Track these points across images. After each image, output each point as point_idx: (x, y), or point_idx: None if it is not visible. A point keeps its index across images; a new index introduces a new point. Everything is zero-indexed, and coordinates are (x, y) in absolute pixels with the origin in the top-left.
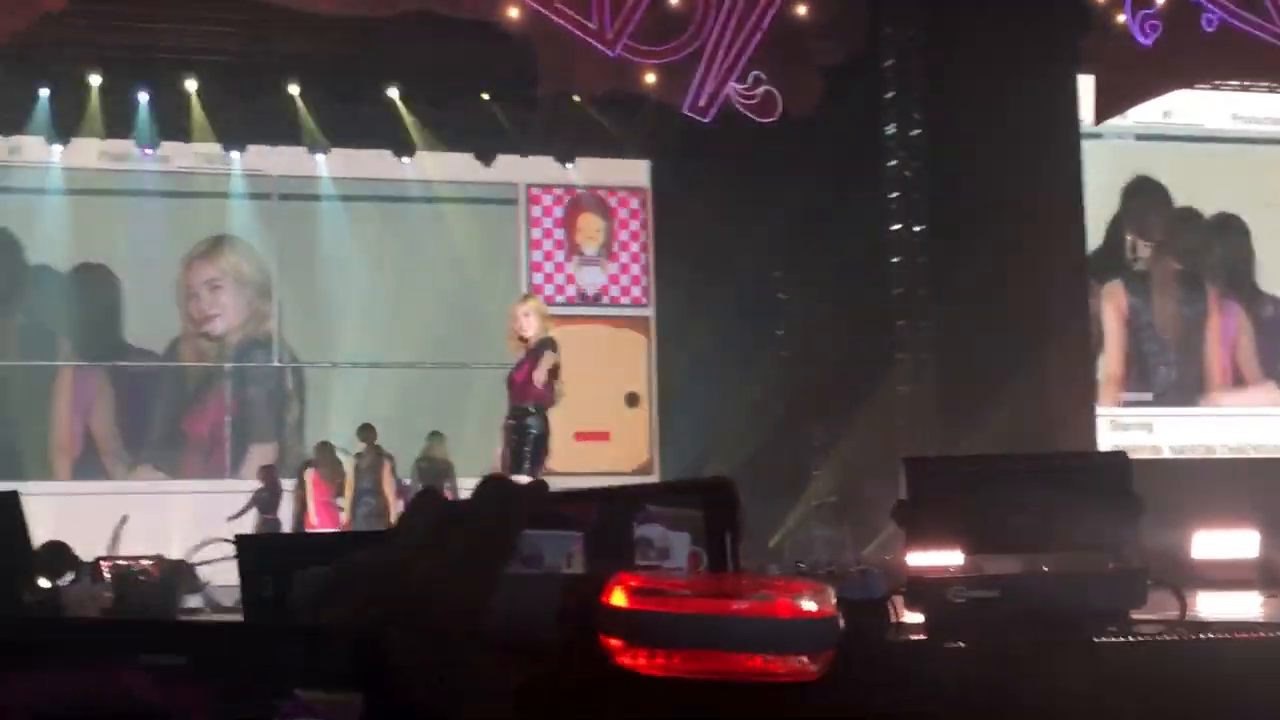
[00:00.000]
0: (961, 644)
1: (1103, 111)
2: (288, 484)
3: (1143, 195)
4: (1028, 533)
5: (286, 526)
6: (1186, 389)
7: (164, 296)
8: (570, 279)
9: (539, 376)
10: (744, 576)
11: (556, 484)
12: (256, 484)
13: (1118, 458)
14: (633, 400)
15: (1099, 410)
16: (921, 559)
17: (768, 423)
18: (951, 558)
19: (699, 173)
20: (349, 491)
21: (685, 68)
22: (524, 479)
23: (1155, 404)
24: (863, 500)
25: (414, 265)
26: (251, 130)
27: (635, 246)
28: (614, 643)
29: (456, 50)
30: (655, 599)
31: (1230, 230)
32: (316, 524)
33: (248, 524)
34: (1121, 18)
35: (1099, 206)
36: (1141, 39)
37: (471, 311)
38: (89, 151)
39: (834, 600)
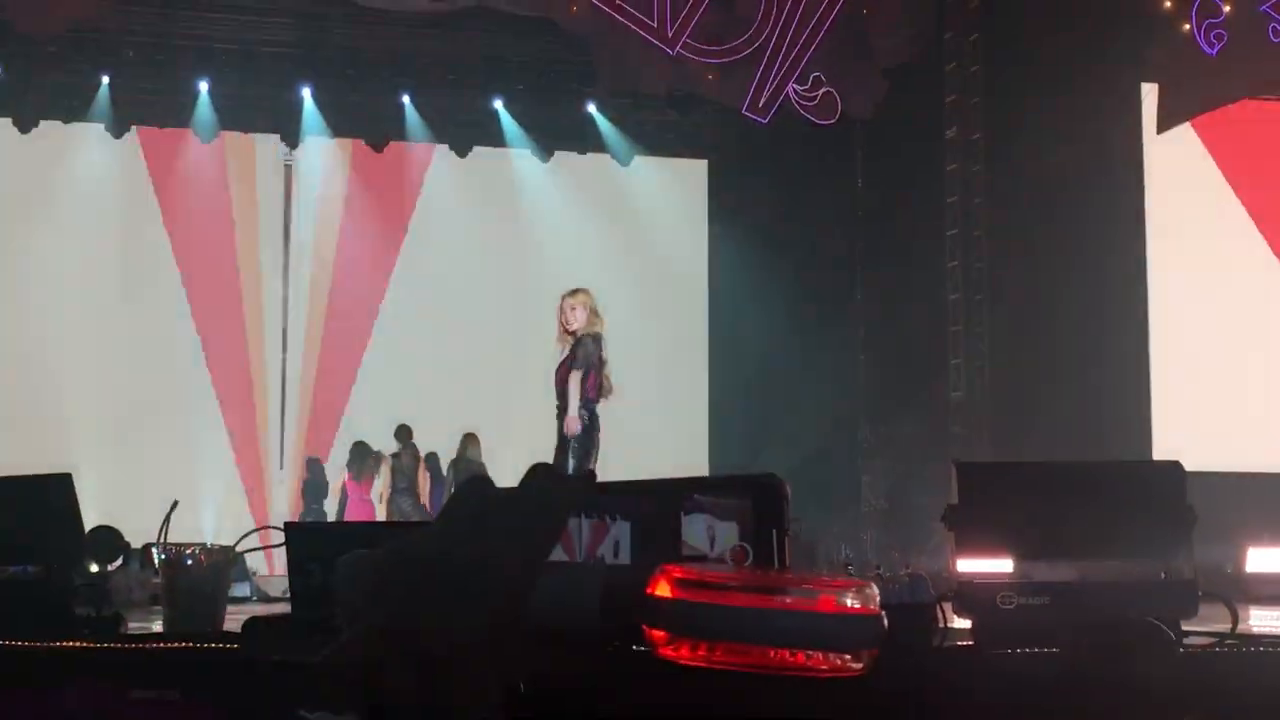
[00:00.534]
0: (1010, 650)
1: (1165, 121)
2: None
3: None
4: (1079, 540)
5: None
6: None
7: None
8: None
9: (578, 371)
10: (789, 572)
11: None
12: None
13: (1172, 467)
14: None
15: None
16: (971, 565)
17: (820, 425)
18: (1002, 564)
19: (757, 174)
20: (385, 491)
21: (745, 67)
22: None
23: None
24: (913, 504)
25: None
26: (340, 123)
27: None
28: (657, 634)
29: (516, 47)
30: (700, 591)
31: None
32: None
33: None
34: (1186, 27)
35: None
36: (1206, 48)
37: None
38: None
39: (878, 599)
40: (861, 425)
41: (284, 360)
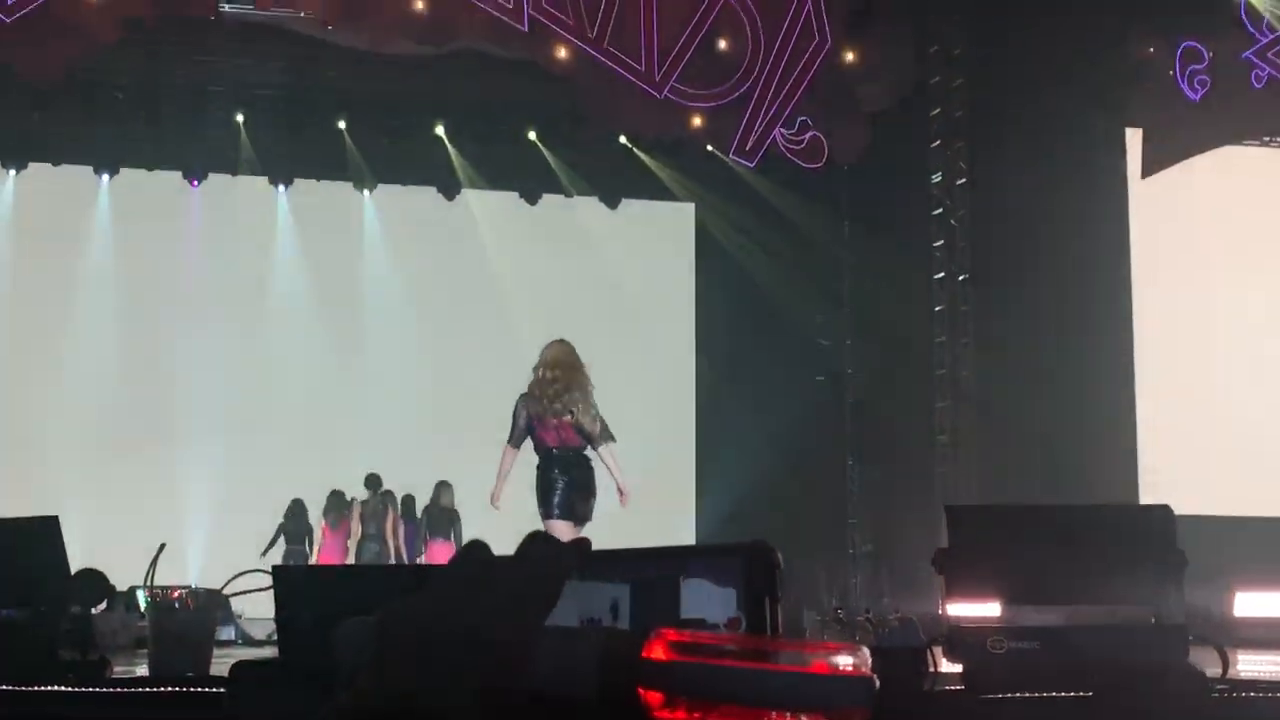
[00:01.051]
0: (1001, 695)
1: (1150, 166)
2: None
3: None
4: (1069, 584)
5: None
6: None
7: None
8: None
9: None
10: (783, 637)
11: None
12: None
13: (1161, 511)
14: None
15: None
16: (961, 609)
17: (807, 468)
18: (991, 608)
19: (744, 216)
20: (354, 537)
21: (732, 111)
22: (559, 525)
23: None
24: (902, 548)
25: (452, 303)
26: (298, 165)
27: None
28: (653, 697)
29: (504, 89)
30: (696, 653)
31: None
32: None
33: (274, 555)
34: (1170, 72)
35: None
36: (1190, 94)
37: (508, 353)
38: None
39: (869, 661)
40: (849, 467)
41: (265, 403)
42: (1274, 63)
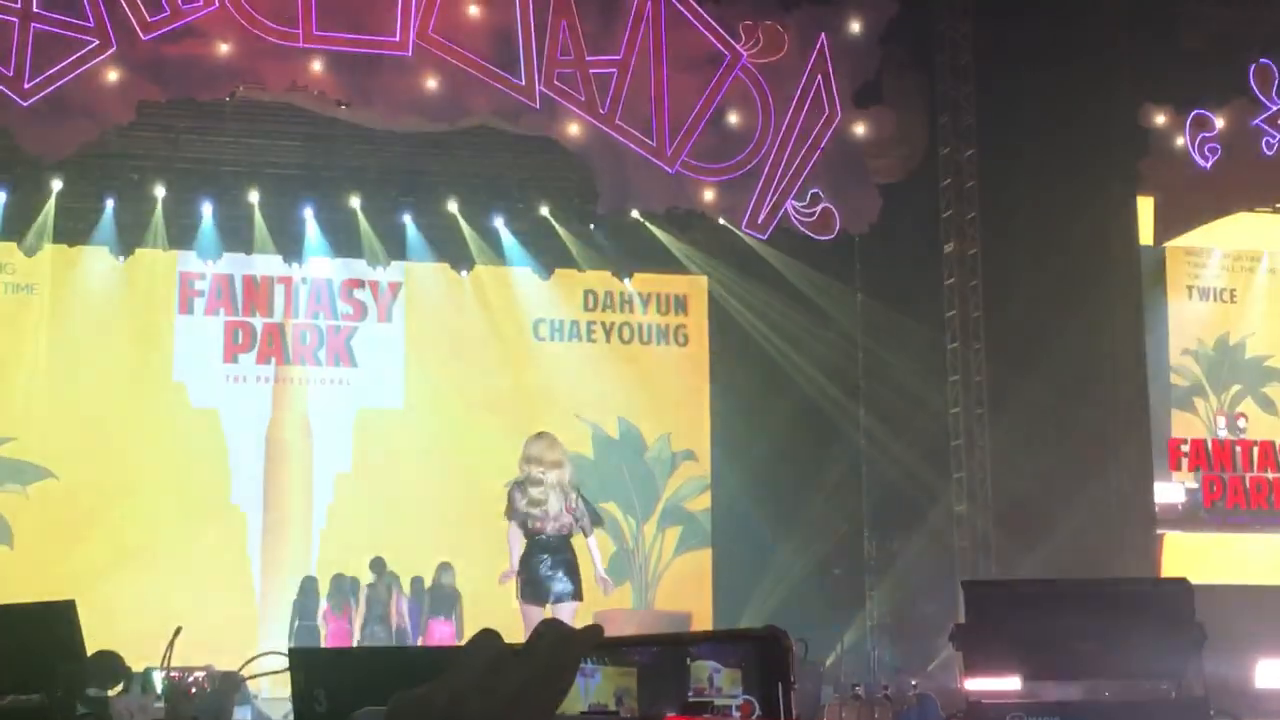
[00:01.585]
0: None
1: (1162, 233)
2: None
3: None
4: (1088, 659)
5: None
6: None
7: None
8: None
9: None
10: None
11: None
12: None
13: (1180, 584)
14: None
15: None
16: (980, 684)
17: (824, 541)
18: (1010, 683)
19: (755, 289)
20: (359, 620)
21: (744, 184)
22: (566, 608)
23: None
24: (920, 621)
25: (463, 379)
26: (311, 241)
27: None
28: None
29: (517, 166)
30: None
31: None
32: None
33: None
34: (1180, 140)
35: None
36: (1200, 162)
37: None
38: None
39: None
40: (865, 540)
41: (264, 484)
42: None
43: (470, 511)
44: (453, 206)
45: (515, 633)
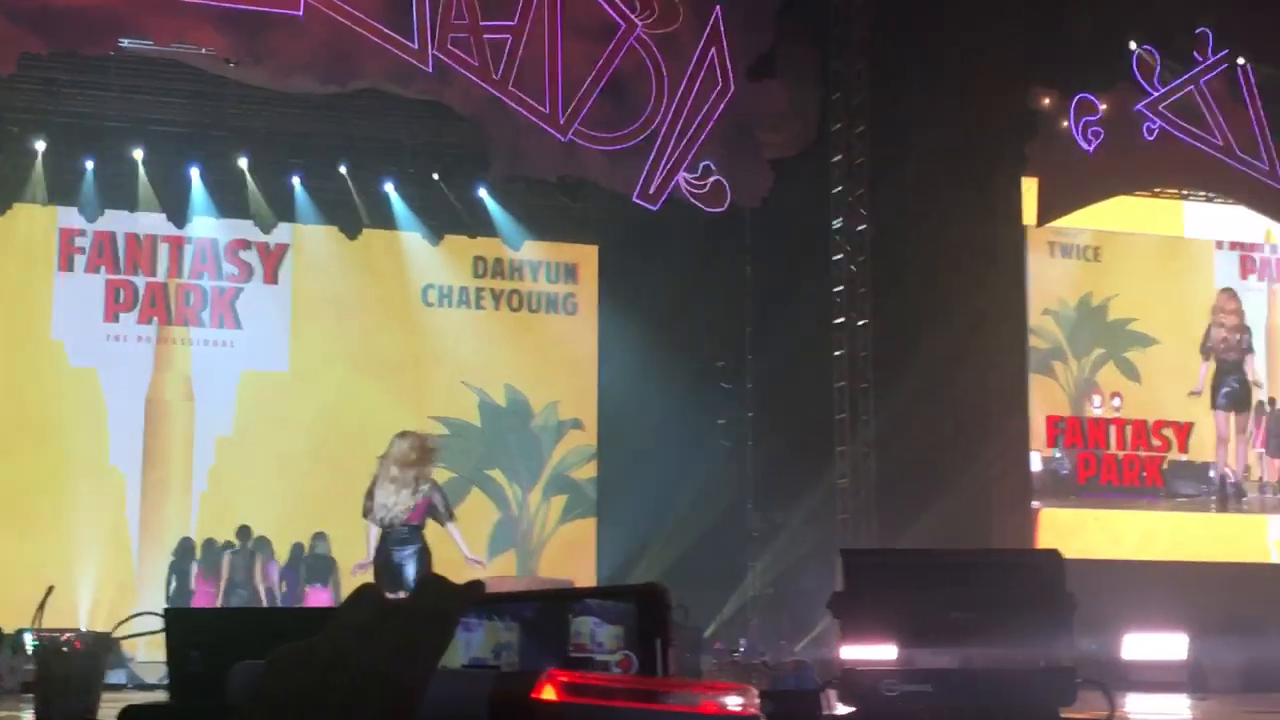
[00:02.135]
0: None
1: (1045, 214)
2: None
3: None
4: (961, 628)
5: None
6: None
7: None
8: None
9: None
10: (673, 677)
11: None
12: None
13: (1051, 556)
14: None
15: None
16: (856, 652)
17: (707, 512)
18: (886, 651)
19: (647, 259)
20: (222, 584)
21: (636, 155)
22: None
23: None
24: (800, 592)
25: (353, 346)
26: (198, 201)
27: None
28: None
29: (408, 130)
30: (586, 694)
31: None
32: None
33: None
34: (1065, 124)
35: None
36: (1084, 145)
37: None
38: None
39: (758, 702)
40: (750, 511)
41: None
42: (1166, 116)
43: (353, 478)
44: (343, 169)
45: None
